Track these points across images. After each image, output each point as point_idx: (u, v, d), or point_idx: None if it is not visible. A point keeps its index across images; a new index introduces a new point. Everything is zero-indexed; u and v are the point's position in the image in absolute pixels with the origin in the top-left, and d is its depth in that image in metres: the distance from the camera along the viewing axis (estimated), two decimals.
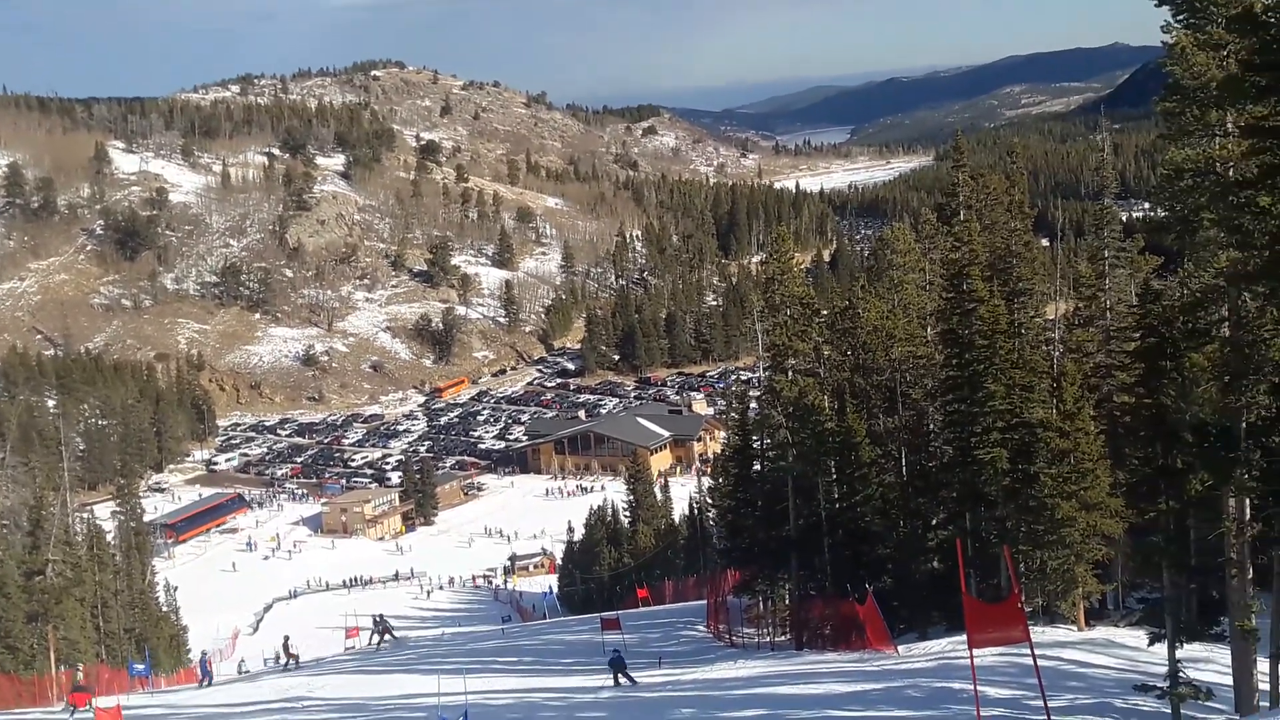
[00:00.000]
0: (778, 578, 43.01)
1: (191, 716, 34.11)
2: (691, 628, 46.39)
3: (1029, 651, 14.54)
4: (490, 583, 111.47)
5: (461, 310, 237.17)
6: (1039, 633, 26.05)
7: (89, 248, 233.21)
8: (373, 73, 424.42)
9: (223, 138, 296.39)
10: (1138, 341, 26.95)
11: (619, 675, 30.97)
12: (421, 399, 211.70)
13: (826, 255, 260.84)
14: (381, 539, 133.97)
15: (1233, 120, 22.14)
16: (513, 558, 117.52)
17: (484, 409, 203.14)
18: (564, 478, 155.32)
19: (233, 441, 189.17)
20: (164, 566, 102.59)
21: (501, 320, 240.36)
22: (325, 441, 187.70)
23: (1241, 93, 19.49)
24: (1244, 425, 22.26)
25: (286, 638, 51.82)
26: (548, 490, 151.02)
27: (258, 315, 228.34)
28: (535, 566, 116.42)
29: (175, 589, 79.98)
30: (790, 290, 40.77)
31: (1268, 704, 21.80)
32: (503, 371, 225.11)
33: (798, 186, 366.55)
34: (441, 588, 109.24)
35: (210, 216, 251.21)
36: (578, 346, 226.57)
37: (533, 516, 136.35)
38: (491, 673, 36.54)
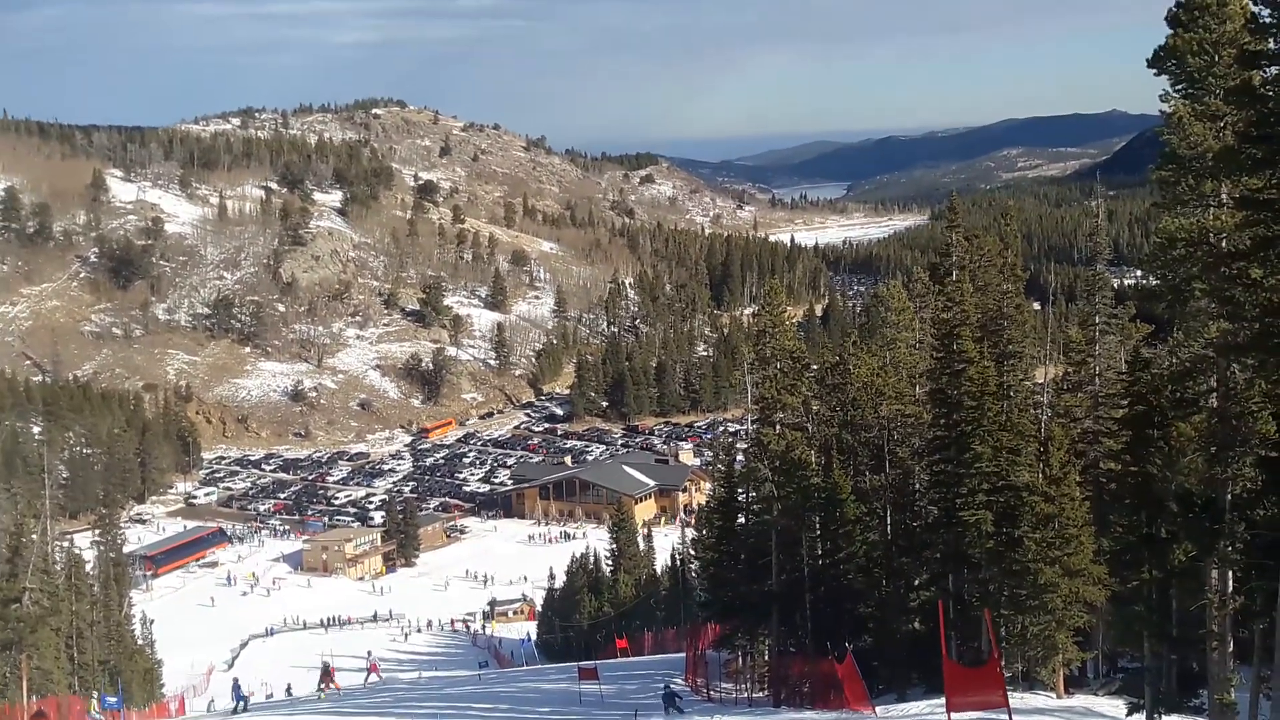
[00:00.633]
0: (758, 632, 42.78)
1: None
2: (670, 680, 46.07)
3: (1007, 717, 14.43)
4: (469, 627, 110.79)
5: (452, 351, 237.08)
6: (1018, 699, 25.90)
7: (82, 275, 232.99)
8: (374, 111, 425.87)
9: (221, 170, 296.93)
10: (1126, 409, 26.97)
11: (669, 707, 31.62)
12: (408, 439, 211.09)
13: (819, 310, 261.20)
14: (361, 578, 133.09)
15: (1227, 191, 22.23)
16: (492, 603, 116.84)
17: (470, 451, 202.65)
18: (548, 523, 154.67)
19: (217, 475, 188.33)
20: (141, 599, 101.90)
21: (492, 363, 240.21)
22: (310, 478, 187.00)
23: (1237, 164, 19.58)
24: (1229, 497, 22.25)
25: (326, 664, 51.88)
26: (531, 536, 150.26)
27: (248, 349, 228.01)
28: (515, 612, 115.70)
29: (152, 622, 79.40)
30: (781, 344, 40.80)
31: None
32: (491, 414, 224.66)
33: (792, 240, 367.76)
34: (420, 630, 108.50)
35: (205, 248, 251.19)
36: (567, 392, 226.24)
37: (515, 561, 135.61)
38: (466, 719, 36.23)
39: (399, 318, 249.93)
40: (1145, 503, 24.60)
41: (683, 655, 50.61)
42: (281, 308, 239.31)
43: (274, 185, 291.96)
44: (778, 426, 40.41)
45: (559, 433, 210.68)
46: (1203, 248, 22.20)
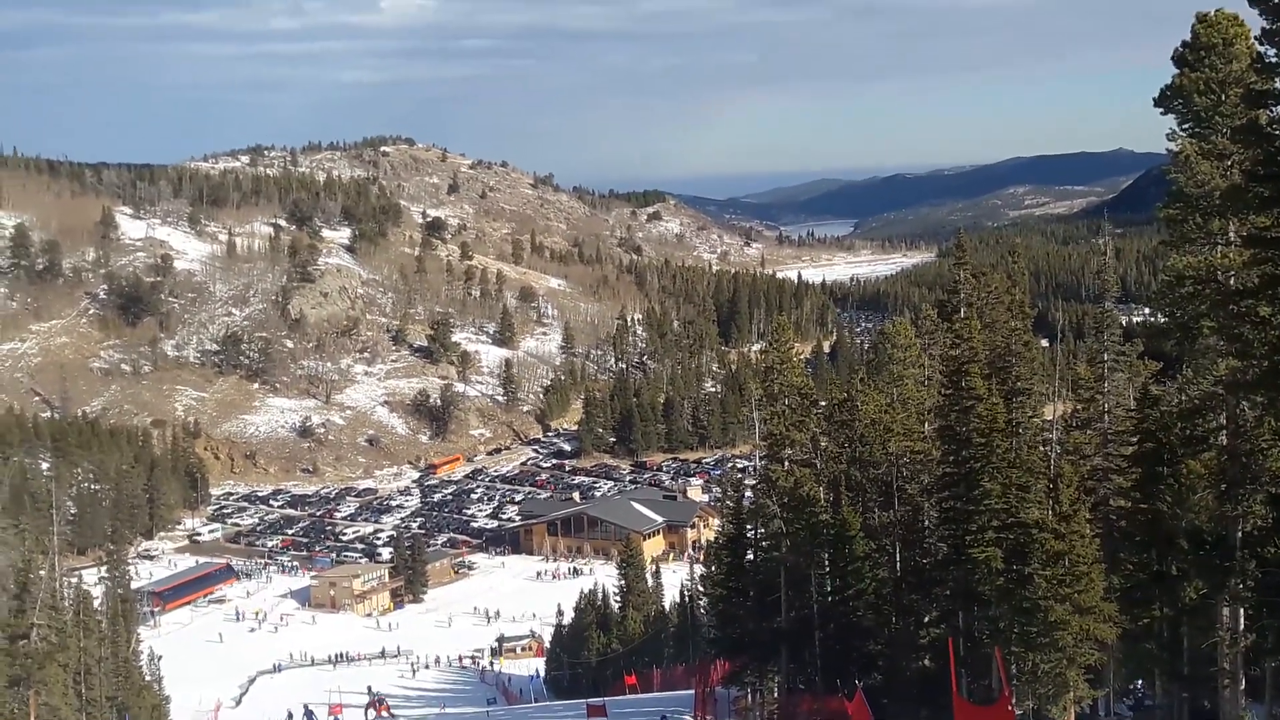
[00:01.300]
0: (767, 669, 42.66)
1: None
2: (678, 717, 45.92)
3: None
4: (477, 663, 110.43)
5: (460, 387, 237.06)
6: None
7: (91, 311, 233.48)
8: (382, 148, 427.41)
9: (230, 207, 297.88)
10: (1135, 446, 27.00)
11: None
12: (416, 475, 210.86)
13: (826, 347, 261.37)
14: (369, 614, 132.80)
15: (1235, 229, 22.32)
16: (500, 639, 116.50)
17: (478, 487, 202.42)
18: (556, 559, 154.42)
19: (225, 511, 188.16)
20: (149, 635, 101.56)
21: (499, 399, 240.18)
22: (317, 514, 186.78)
23: (1244, 203, 19.68)
24: (1240, 534, 22.24)
25: (371, 690, 52.15)
26: (539, 572, 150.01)
27: (256, 385, 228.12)
28: (523, 649, 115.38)
29: (159, 658, 79.20)
30: (789, 380, 40.86)
31: None
32: (498, 450, 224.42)
33: (800, 277, 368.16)
34: (428, 666, 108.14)
35: (214, 285, 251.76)
36: (575, 428, 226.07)
37: (523, 597, 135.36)
38: None
39: (407, 354, 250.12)
40: (1156, 540, 24.60)
41: (691, 692, 50.47)
42: (290, 344, 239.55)
43: (283, 222, 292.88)
44: (786, 463, 40.40)
45: (567, 469, 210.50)
46: (1211, 285, 22.28)
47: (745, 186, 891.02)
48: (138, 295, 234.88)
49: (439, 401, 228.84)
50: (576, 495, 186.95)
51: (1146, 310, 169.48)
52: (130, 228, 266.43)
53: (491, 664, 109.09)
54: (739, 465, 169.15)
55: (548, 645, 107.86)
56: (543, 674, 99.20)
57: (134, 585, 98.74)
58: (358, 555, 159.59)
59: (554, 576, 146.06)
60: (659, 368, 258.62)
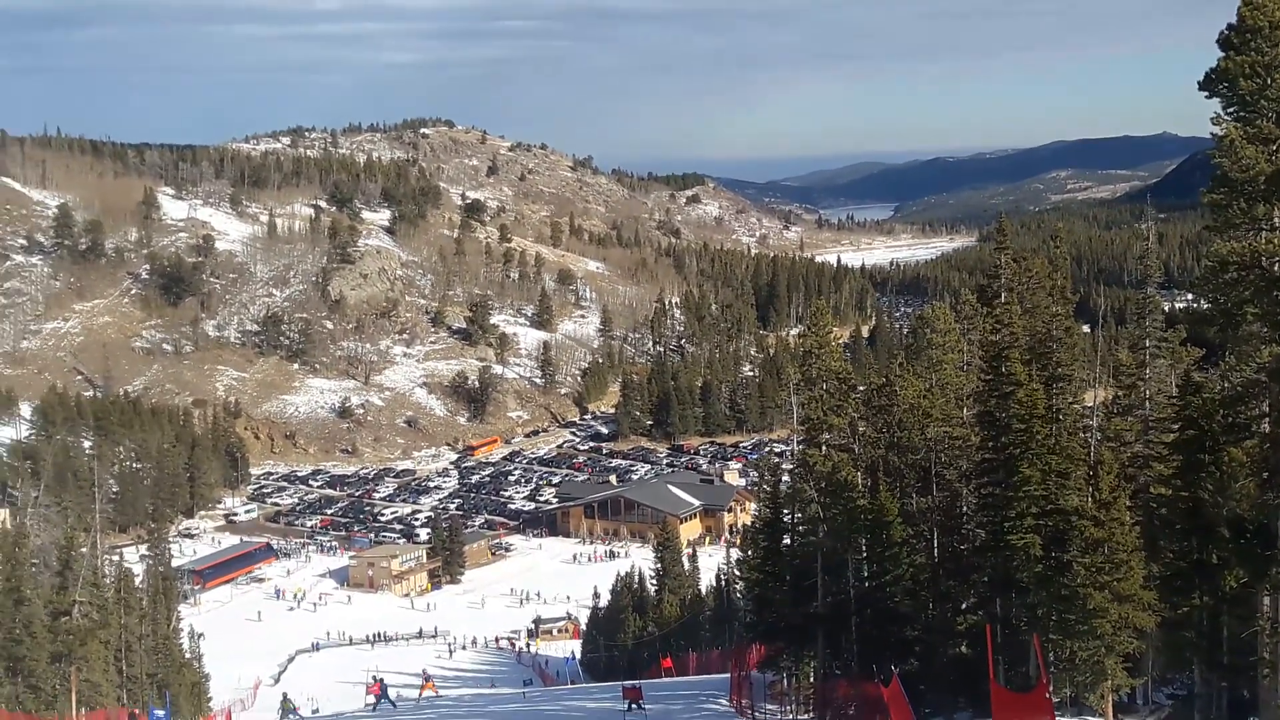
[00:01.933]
0: (803, 654, 42.53)
1: None
2: (714, 701, 45.91)
3: None
4: (514, 645, 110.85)
5: (498, 369, 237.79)
6: None
7: (133, 291, 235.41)
8: (422, 130, 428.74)
9: (271, 188, 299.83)
10: (1177, 433, 26.76)
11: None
12: (454, 456, 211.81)
13: (865, 331, 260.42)
14: (407, 595, 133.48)
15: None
16: (537, 620, 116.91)
17: (515, 469, 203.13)
18: (593, 542, 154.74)
19: (264, 490, 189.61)
20: (189, 613, 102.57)
21: (537, 381, 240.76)
22: (356, 494, 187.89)
23: None
24: None
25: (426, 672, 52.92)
26: (575, 554, 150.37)
27: (296, 365, 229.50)
28: (559, 631, 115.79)
29: (200, 636, 79.87)
30: (827, 364, 40.65)
31: None
32: (536, 432, 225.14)
33: (839, 261, 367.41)
34: (465, 648, 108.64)
35: (255, 265, 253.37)
36: (612, 411, 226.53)
37: (559, 579, 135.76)
38: None
39: (446, 336, 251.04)
40: (1196, 528, 24.40)
41: (727, 676, 50.44)
42: (329, 325, 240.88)
43: (323, 204, 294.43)
44: (823, 447, 40.23)
45: (604, 451, 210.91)
46: (1255, 271, 22.00)
47: (784, 169, 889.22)
48: (179, 275, 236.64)
49: (477, 383, 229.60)
50: (613, 478, 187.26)
51: (1189, 296, 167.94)
52: (172, 208, 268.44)
53: (528, 645, 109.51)
54: (776, 449, 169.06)
55: (584, 628, 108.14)
56: (579, 656, 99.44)
57: (175, 563, 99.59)
58: (396, 536, 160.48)
59: (590, 559, 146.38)
60: (697, 351, 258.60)
